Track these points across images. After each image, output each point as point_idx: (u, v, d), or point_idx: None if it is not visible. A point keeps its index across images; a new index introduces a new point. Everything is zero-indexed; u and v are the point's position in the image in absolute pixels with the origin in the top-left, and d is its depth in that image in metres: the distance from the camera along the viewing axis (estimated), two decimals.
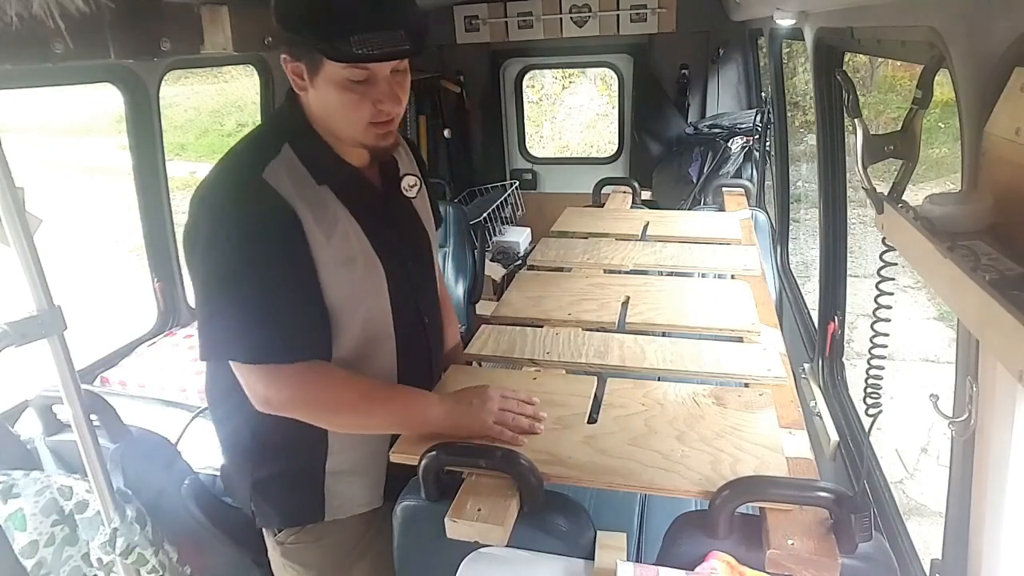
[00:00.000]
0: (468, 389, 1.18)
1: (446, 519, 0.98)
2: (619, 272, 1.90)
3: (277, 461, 1.20)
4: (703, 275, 1.95)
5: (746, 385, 1.32)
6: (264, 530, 1.30)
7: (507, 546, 0.99)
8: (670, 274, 1.92)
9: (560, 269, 1.95)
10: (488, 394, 1.14)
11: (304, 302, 1.07)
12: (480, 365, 1.53)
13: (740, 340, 1.51)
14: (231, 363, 1.07)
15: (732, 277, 1.89)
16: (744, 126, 3.13)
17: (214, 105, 9.58)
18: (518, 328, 1.54)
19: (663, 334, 1.59)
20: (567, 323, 1.58)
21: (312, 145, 1.11)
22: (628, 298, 1.67)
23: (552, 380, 1.33)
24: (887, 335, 0.96)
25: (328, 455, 1.19)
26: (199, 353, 1.09)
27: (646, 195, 3.18)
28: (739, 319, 1.55)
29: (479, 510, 0.99)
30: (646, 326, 1.57)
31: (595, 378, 1.30)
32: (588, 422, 1.17)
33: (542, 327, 1.56)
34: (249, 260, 1.02)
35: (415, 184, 1.26)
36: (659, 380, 1.33)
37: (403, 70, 1.07)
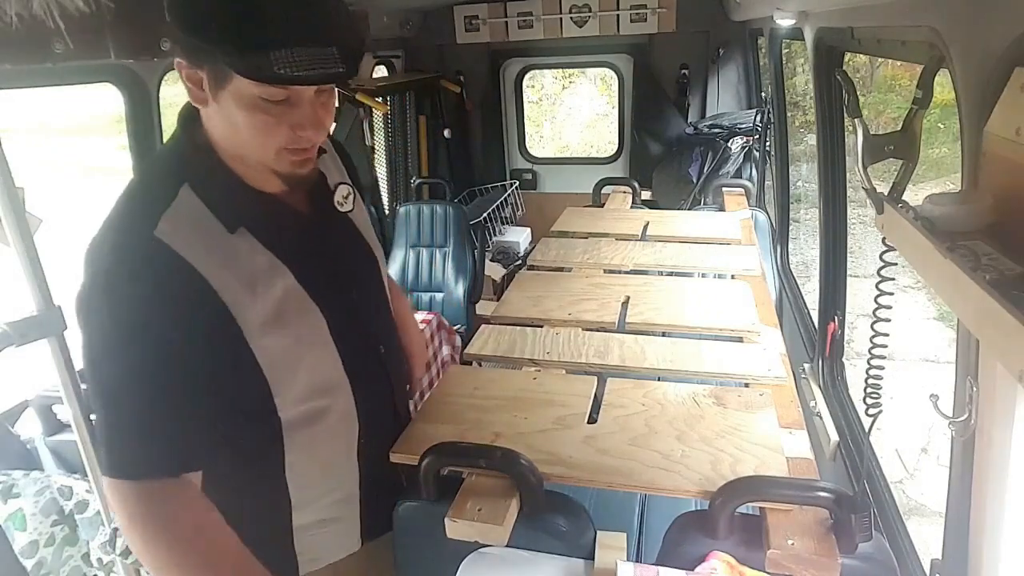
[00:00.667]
0: None
1: (446, 519, 0.98)
2: (619, 272, 1.90)
3: (240, 530, 0.96)
4: (703, 275, 1.95)
5: (746, 385, 1.32)
6: None
7: (507, 546, 0.99)
8: (670, 274, 1.92)
9: (560, 269, 1.95)
10: None
11: (199, 397, 0.88)
12: (480, 365, 1.53)
13: (740, 340, 1.51)
14: None
15: (732, 277, 1.89)
16: (744, 126, 3.13)
17: None
18: (518, 328, 1.54)
19: (663, 334, 1.59)
20: (567, 323, 1.58)
21: (217, 180, 0.91)
22: (628, 298, 1.67)
23: (552, 380, 1.33)
24: (887, 335, 0.96)
25: (293, 511, 1.06)
26: None
27: (646, 195, 3.18)
28: (739, 319, 1.56)
29: (479, 510, 0.99)
30: (646, 326, 1.57)
31: (595, 378, 1.30)
32: (588, 422, 1.17)
33: (542, 327, 1.56)
34: (126, 342, 0.84)
35: (348, 194, 1.06)
36: (659, 380, 1.33)
37: (328, 90, 0.89)
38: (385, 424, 1.15)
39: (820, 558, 0.88)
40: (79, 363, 1.21)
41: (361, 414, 1.08)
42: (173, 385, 0.86)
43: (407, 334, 1.30)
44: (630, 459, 1.07)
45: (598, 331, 1.53)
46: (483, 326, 1.57)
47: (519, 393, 1.27)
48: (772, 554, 0.89)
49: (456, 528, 0.98)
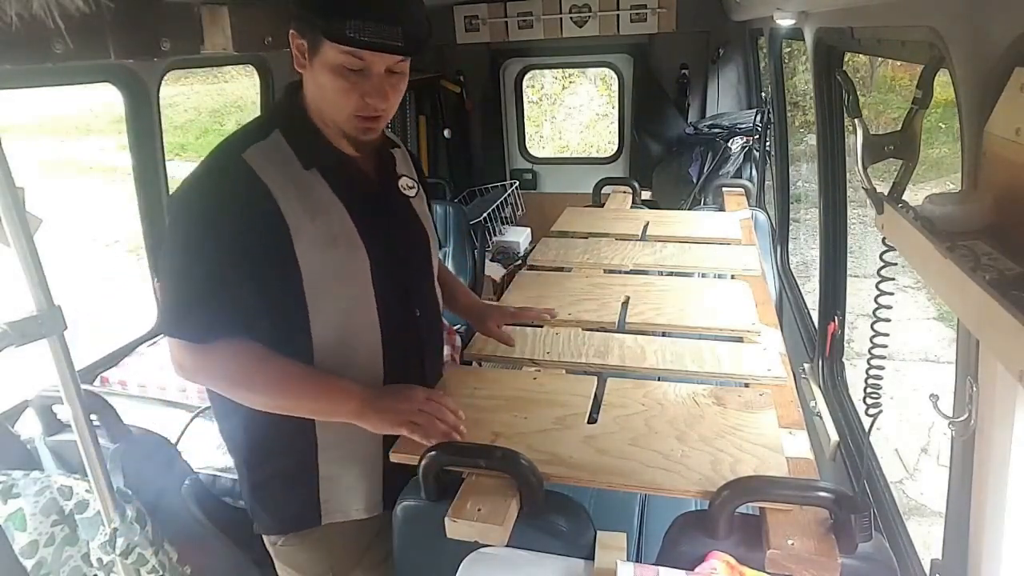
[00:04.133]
0: (398, 385, 1.14)
1: (446, 519, 0.98)
2: (619, 272, 1.90)
3: (270, 462, 1.20)
4: (703, 275, 1.94)
5: (746, 385, 1.32)
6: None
7: (507, 546, 0.99)
8: (670, 274, 1.92)
9: (560, 269, 1.95)
10: (411, 392, 1.11)
11: (258, 285, 1.05)
12: (480, 365, 1.53)
13: (740, 340, 1.51)
14: None
15: (732, 277, 1.89)
16: (744, 126, 3.13)
17: (214, 105, 9.57)
18: (518, 328, 1.54)
19: (663, 334, 1.59)
20: (567, 323, 1.58)
21: (303, 131, 1.10)
22: (628, 298, 1.67)
23: (552, 380, 1.33)
24: (887, 335, 0.96)
25: (319, 452, 1.17)
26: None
27: (646, 195, 3.18)
28: (739, 319, 1.55)
29: (479, 510, 0.99)
30: (646, 326, 1.57)
31: (595, 378, 1.30)
32: (588, 422, 1.17)
33: (542, 327, 1.56)
34: (201, 234, 1.03)
35: (413, 187, 1.25)
36: (659, 380, 1.33)
37: (400, 72, 1.07)
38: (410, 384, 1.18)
39: (820, 558, 0.88)
40: (79, 363, 1.22)
41: (387, 365, 1.17)
42: (233, 271, 1.03)
43: (459, 293, 1.49)
44: (630, 459, 1.07)
45: (598, 331, 1.53)
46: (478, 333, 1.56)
47: (519, 393, 1.27)
48: (772, 554, 0.89)
49: (456, 528, 0.98)
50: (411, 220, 1.25)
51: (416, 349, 1.25)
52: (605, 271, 1.89)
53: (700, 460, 1.05)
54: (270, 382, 1.09)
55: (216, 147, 1.11)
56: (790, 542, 0.90)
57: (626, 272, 1.90)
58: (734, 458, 1.06)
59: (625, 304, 1.64)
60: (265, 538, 1.30)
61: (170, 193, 1.10)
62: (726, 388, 1.25)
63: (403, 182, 1.24)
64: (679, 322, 1.56)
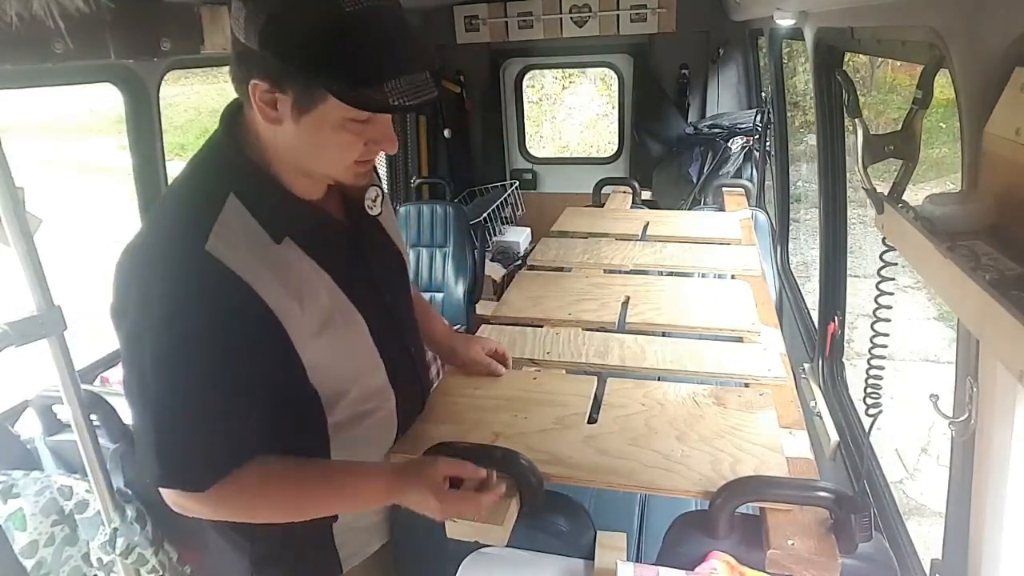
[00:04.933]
0: (416, 460, 1.03)
1: (447, 522, 0.98)
2: (619, 272, 1.89)
3: (282, 528, 1.00)
4: (703, 275, 1.94)
5: (746, 385, 1.31)
6: None
7: (507, 546, 0.99)
8: (670, 274, 1.91)
9: (560, 269, 1.94)
10: (436, 463, 0.98)
11: (257, 396, 0.90)
12: None
13: (740, 340, 1.51)
14: None
15: (732, 277, 1.88)
16: (744, 126, 3.13)
17: (214, 105, 9.55)
18: (518, 328, 1.54)
19: (663, 334, 1.58)
20: (567, 323, 1.57)
21: (264, 190, 0.91)
22: (628, 298, 1.66)
23: (552, 380, 1.32)
24: (887, 335, 0.96)
25: (334, 522, 1.08)
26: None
27: (646, 195, 3.18)
28: (739, 319, 1.55)
29: None
30: (646, 326, 1.56)
31: (595, 378, 1.29)
32: (588, 422, 1.17)
33: (542, 327, 1.56)
34: (187, 359, 0.84)
35: (377, 196, 1.08)
36: (659, 380, 1.33)
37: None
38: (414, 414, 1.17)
39: (820, 558, 0.88)
40: (79, 363, 1.22)
41: (400, 415, 1.11)
42: (228, 398, 0.87)
43: (432, 323, 1.33)
44: (630, 459, 1.07)
45: (598, 331, 1.53)
46: (483, 326, 1.56)
47: (519, 393, 1.26)
48: (772, 554, 0.89)
49: (456, 528, 0.98)
50: (384, 246, 1.12)
51: (418, 385, 1.19)
52: (605, 271, 1.89)
53: (700, 460, 1.05)
54: (291, 499, 0.96)
55: (159, 228, 0.91)
56: (790, 542, 0.90)
57: (626, 272, 1.89)
58: (734, 458, 1.05)
59: (625, 304, 1.64)
60: None
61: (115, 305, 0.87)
62: (726, 388, 1.25)
63: (368, 197, 1.06)
64: (679, 322, 1.55)
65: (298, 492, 0.96)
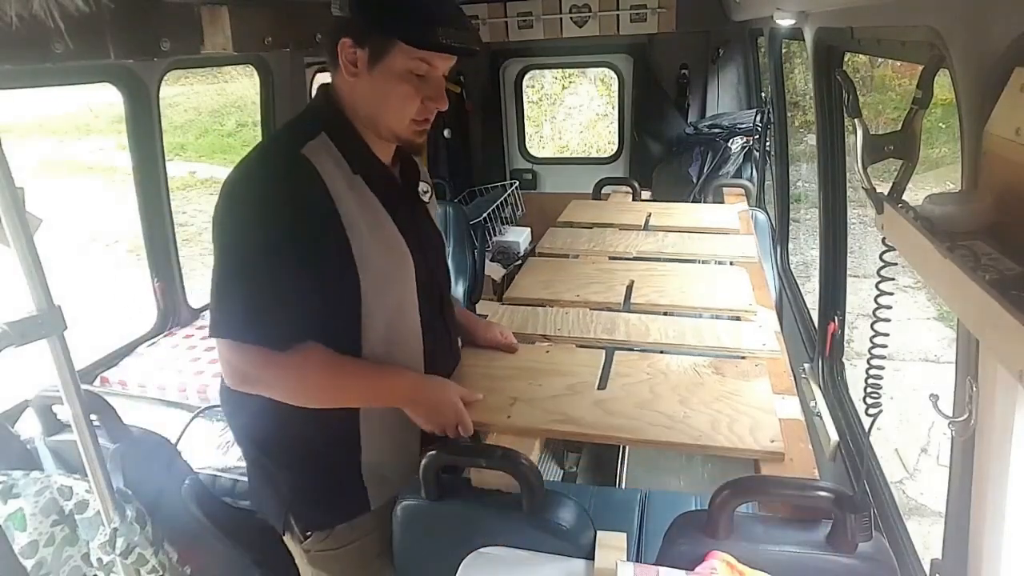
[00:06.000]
0: (440, 384, 1.22)
1: (471, 470, 1.03)
2: (624, 258, 1.97)
3: (313, 463, 1.20)
4: (703, 262, 2.01)
5: (743, 358, 1.38)
6: (289, 539, 1.29)
7: (507, 546, 0.99)
8: (672, 261, 1.98)
9: (567, 256, 2.01)
10: (449, 396, 1.20)
11: (324, 288, 1.05)
12: None
13: (738, 319, 1.58)
14: (215, 340, 1.05)
15: (731, 264, 1.94)
16: (744, 126, 3.13)
17: (214, 105, 9.57)
18: (530, 308, 1.62)
19: (665, 313, 1.66)
20: (576, 303, 1.66)
21: (349, 136, 1.11)
22: (632, 282, 1.74)
23: (563, 353, 1.41)
24: (887, 335, 0.96)
25: (361, 451, 1.20)
26: (208, 330, 1.07)
27: (646, 195, 3.18)
28: (737, 300, 1.63)
29: None
30: (650, 306, 1.65)
31: (603, 351, 1.38)
32: (598, 388, 1.25)
33: (551, 307, 1.63)
34: (273, 238, 1.01)
35: (427, 191, 1.30)
36: (662, 354, 1.40)
37: (446, 76, 1.13)
38: (445, 371, 1.30)
39: None
40: (79, 363, 1.22)
41: (427, 367, 1.23)
42: (304, 279, 1.03)
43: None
44: (637, 419, 1.16)
45: (605, 311, 1.61)
46: (498, 307, 1.66)
47: (532, 364, 1.36)
48: None
49: (480, 477, 1.03)
50: (431, 225, 1.31)
51: (448, 348, 1.32)
52: (610, 258, 1.97)
53: (700, 420, 1.15)
54: (337, 386, 1.12)
55: (264, 143, 1.12)
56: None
57: (630, 259, 1.97)
58: (731, 418, 1.13)
59: (630, 287, 1.72)
60: (290, 542, 1.29)
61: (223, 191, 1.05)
62: (724, 360, 1.33)
63: (422, 187, 1.28)
64: (681, 302, 1.65)
65: (345, 373, 1.12)
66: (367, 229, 1.08)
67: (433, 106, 1.10)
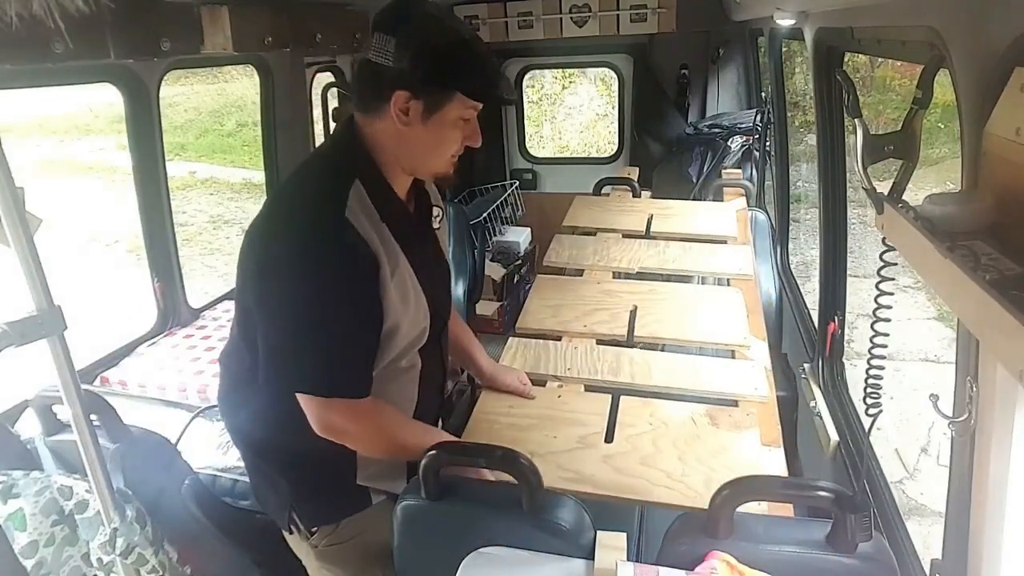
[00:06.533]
0: None
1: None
2: (627, 278, 2.05)
3: (310, 466, 1.23)
4: (702, 279, 2.12)
5: (735, 404, 1.45)
6: (295, 537, 1.31)
7: (507, 546, 0.99)
8: (671, 281, 2.05)
9: (573, 273, 2.10)
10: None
11: (372, 342, 1.12)
12: None
13: (732, 355, 1.66)
14: (298, 395, 1.11)
15: (728, 282, 2.01)
16: (744, 126, 3.13)
17: (214, 105, 9.56)
18: (541, 342, 1.70)
19: (663, 347, 1.78)
20: (583, 335, 1.73)
21: (376, 179, 1.15)
22: (636, 307, 1.81)
23: (573, 398, 1.49)
24: (887, 335, 0.96)
25: (357, 465, 1.24)
26: (277, 385, 1.13)
27: (646, 195, 3.19)
28: (732, 333, 1.70)
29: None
30: (652, 339, 1.74)
31: (609, 396, 1.46)
32: (605, 441, 1.32)
33: (560, 339, 1.71)
34: (333, 299, 1.06)
35: (438, 215, 1.34)
36: (662, 398, 1.48)
37: None
38: (434, 403, 1.36)
39: None
40: (79, 363, 1.22)
41: (420, 392, 1.28)
42: (361, 331, 1.10)
43: (477, 352, 1.57)
44: (641, 477, 1.23)
45: (611, 344, 1.69)
46: (511, 339, 1.72)
47: (547, 411, 1.44)
48: None
49: None
50: (439, 255, 1.35)
51: (441, 374, 1.37)
52: (614, 275, 2.05)
53: (696, 480, 1.21)
54: (406, 442, 1.17)
55: (305, 196, 1.14)
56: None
57: (633, 278, 2.05)
58: (723, 477, 1.13)
59: (633, 314, 1.79)
60: (297, 540, 1.32)
61: (264, 246, 1.12)
62: (719, 408, 1.42)
63: (435, 212, 1.32)
64: (679, 335, 1.73)
65: (403, 424, 1.20)
66: (393, 281, 1.13)
67: (471, 144, 1.18)
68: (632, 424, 1.38)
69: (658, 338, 1.75)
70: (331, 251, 1.06)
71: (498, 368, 1.58)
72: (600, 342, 1.71)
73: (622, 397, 1.46)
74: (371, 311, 1.10)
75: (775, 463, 1.30)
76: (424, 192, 1.30)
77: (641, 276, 2.05)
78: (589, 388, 1.54)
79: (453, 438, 1.24)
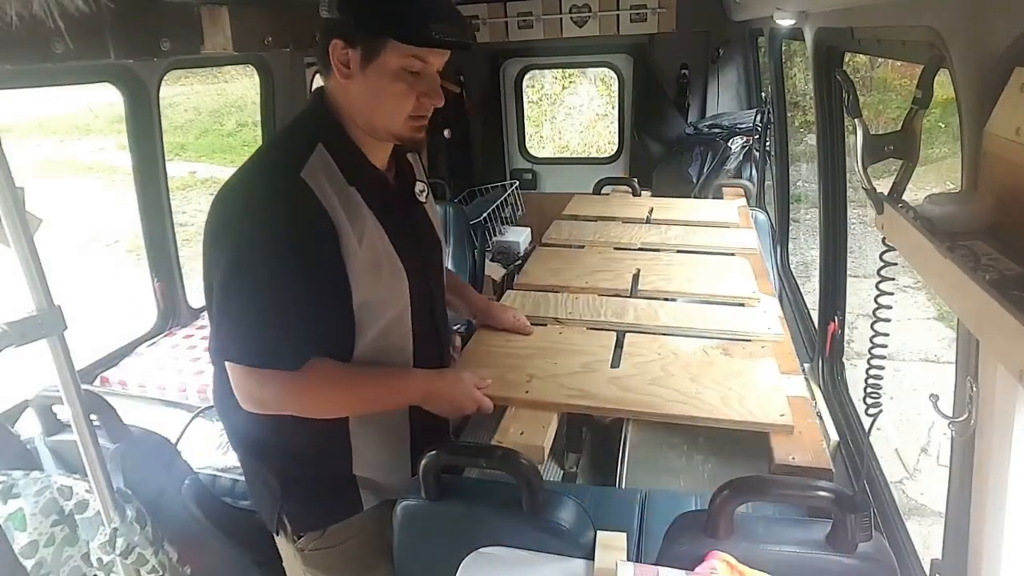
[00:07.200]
0: (450, 374, 1.27)
1: (493, 441, 1.08)
2: (629, 248, 2.01)
3: (304, 466, 1.21)
4: (707, 253, 2.03)
5: (749, 341, 1.41)
6: (282, 539, 1.29)
7: (507, 546, 0.99)
8: (676, 251, 2.01)
9: (573, 247, 2.05)
10: (462, 374, 1.26)
11: (322, 308, 1.06)
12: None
13: (742, 305, 1.61)
14: (227, 364, 1.06)
15: (733, 255, 1.97)
16: (744, 126, 3.13)
17: (214, 105, 9.56)
18: (541, 293, 1.65)
19: (672, 300, 1.70)
20: (585, 290, 1.69)
21: (343, 144, 1.11)
22: (639, 270, 1.78)
23: (576, 334, 1.44)
24: (887, 335, 0.96)
25: (353, 459, 1.21)
26: (210, 354, 1.09)
27: (646, 195, 3.19)
28: (741, 287, 1.66)
29: (521, 433, 1.12)
30: (657, 293, 1.68)
31: (614, 333, 1.42)
32: (611, 367, 1.29)
33: (561, 293, 1.66)
34: (275, 262, 1.01)
35: (423, 190, 1.28)
36: (672, 336, 1.44)
37: (441, 72, 1.11)
38: None
39: (815, 466, 1.02)
40: (79, 363, 1.22)
41: (416, 366, 1.23)
42: (305, 299, 1.04)
43: (469, 292, 1.53)
44: (651, 395, 1.20)
45: (614, 296, 1.64)
46: (508, 291, 1.69)
47: (547, 344, 1.40)
48: (776, 466, 1.03)
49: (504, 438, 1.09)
50: (427, 229, 1.29)
51: (438, 355, 1.31)
52: (615, 248, 2.01)
53: (712, 396, 1.19)
54: (353, 397, 1.15)
55: (261, 160, 1.11)
56: (791, 457, 1.03)
57: (635, 249, 2.00)
58: (741, 394, 1.17)
59: (636, 275, 1.75)
60: (282, 542, 1.30)
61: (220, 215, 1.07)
62: (731, 342, 1.37)
63: (418, 187, 1.26)
64: (687, 289, 1.68)
65: (358, 383, 1.15)
66: (360, 247, 1.08)
67: (429, 102, 1.09)
68: (640, 354, 1.33)
69: (664, 292, 1.69)
70: (278, 210, 1.02)
71: (493, 304, 1.53)
72: (603, 295, 1.65)
73: (627, 334, 1.41)
74: (321, 277, 1.05)
75: (797, 387, 1.25)
76: (408, 165, 1.27)
77: (644, 250, 2.00)
78: (592, 329, 1.49)
79: (419, 371, 1.21)
